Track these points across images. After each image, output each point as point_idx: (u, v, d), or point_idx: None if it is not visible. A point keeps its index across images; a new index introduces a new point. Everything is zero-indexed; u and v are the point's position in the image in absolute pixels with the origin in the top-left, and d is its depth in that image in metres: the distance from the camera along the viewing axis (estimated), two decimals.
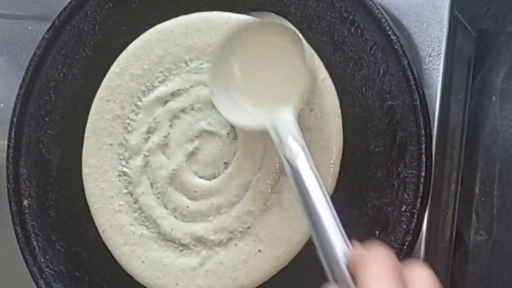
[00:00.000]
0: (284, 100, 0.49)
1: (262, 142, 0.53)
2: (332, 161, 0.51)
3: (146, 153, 0.56)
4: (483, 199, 0.63)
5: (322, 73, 0.52)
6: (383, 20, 0.51)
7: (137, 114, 0.56)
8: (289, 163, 0.46)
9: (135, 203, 0.56)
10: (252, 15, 0.54)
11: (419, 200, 0.50)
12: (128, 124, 0.56)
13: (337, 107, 0.52)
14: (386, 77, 0.51)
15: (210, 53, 0.54)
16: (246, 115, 0.51)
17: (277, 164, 0.53)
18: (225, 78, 0.51)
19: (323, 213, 0.43)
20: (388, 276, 0.38)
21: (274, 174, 0.53)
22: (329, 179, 0.51)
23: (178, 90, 0.56)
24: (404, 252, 0.50)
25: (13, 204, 0.59)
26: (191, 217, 0.54)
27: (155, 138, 0.56)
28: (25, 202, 0.59)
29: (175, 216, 0.55)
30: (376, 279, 0.38)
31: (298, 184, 0.45)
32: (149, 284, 0.55)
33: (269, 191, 0.53)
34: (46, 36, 0.60)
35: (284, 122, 0.48)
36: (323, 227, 0.42)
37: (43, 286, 0.57)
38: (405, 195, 0.50)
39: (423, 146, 0.50)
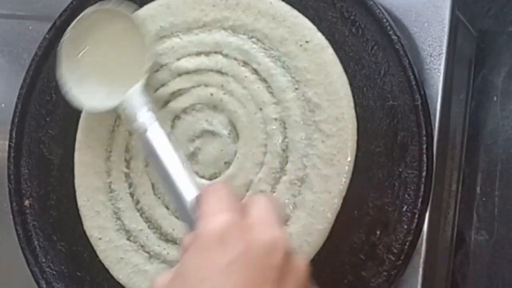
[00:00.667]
0: (131, 78, 0.52)
1: (263, 142, 0.53)
2: (348, 160, 0.51)
3: None
4: (484, 199, 0.63)
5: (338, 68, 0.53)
6: (384, 20, 0.51)
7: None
8: (138, 134, 0.49)
9: (137, 203, 0.56)
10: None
11: (420, 200, 0.49)
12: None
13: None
14: (387, 77, 0.51)
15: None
16: (99, 97, 0.54)
17: (278, 164, 0.53)
18: (75, 62, 0.54)
19: (174, 172, 0.46)
20: (226, 203, 0.41)
21: (275, 173, 0.53)
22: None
23: (179, 90, 0.56)
24: (405, 252, 0.50)
25: (14, 204, 0.59)
26: None
27: None
28: (26, 202, 0.59)
29: (176, 216, 0.55)
30: (214, 208, 0.41)
31: (149, 151, 0.48)
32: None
33: (270, 190, 0.53)
34: (47, 36, 0.60)
35: (132, 97, 0.51)
36: (173, 180, 0.46)
37: (44, 286, 0.57)
38: (406, 195, 0.50)
39: (424, 146, 0.50)
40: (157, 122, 0.49)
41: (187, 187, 0.45)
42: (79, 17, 0.54)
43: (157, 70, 0.56)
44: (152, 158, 0.48)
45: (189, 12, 0.56)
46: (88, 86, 0.54)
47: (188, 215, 0.44)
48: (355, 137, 0.51)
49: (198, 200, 0.43)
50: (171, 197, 0.46)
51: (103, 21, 0.54)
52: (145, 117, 0.50)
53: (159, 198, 0.56)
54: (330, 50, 0.53)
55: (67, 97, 0.54)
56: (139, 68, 0.53)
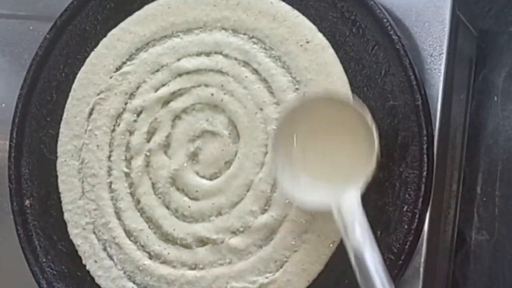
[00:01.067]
0: (349, 180, 0.48)
1: (264, 142, 0.53)
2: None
3: (148, 153, 0.56)
4: (484, 199, 0.63)
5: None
6: (385, 20, 0.51)
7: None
8: (353, 250, 0.45)
9: (137, 203, 0.56)
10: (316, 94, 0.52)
11: (420, 200, 0.49)
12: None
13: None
14: (387, 77, 0.51)
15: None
16: (309, 192, 0.49)
17: None
18: (287, 154, 0.50)
19: None
20: None
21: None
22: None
23: (179, 89, 0.56)
24: (406, 252, 0.50)
25: (14, 204, 0.59)
26: (192, 217, 0.54)
27: (157, 138, 0.56)
28: (27, 202, 0.59)
29: (176, 216, 0.55)
30: None
31: (362, 272, 0.45)
32: None
33: (270, 190, 0.53)
34: (47, 36, 0.60)
35: (350, 206, 0.46)
36: None
37: (44, 285, 0.57)
38: (407, 195, 0.50)
39: (425, 146, 0.50)
40: (374, 241, 0.46)
41: None
42: (305, 99, 0.50)
43: (157, 70, 0.56)
44: (364, 279, 0.45)
45: (190, 12, 0.56)
46: (301, 171, 0.50)
47: None
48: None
49: None
50: None
51: (325, 108, 0.49)
52: (361, 233, 0.46)
53: (159, 198, 0.56)
54: (330, 50, 0.53)
55: (278, 180, 0.50)
56: (358, 166, 0.48)
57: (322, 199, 0.48)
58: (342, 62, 0.52)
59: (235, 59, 0.54)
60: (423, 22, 0.54)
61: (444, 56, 0.53)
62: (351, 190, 0.47)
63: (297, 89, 0.53)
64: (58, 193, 0.59)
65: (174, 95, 0.56)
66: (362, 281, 0.45)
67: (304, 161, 0.50)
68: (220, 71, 0.55)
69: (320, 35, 0.53)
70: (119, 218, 0.57)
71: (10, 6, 0.68)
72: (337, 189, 0.48)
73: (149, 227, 0.56)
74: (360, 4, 0.52)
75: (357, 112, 0.48)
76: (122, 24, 0.58)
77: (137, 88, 0.57)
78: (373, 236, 0.46)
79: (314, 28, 0.53)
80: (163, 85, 0.56)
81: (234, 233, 0.53)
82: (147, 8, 0.57)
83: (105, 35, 0.59)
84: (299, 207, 0.51)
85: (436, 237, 0.55)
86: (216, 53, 0.55)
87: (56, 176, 0.59)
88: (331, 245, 0.51)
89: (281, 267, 0.52)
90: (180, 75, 0.56)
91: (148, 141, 0.56)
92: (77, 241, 0.58)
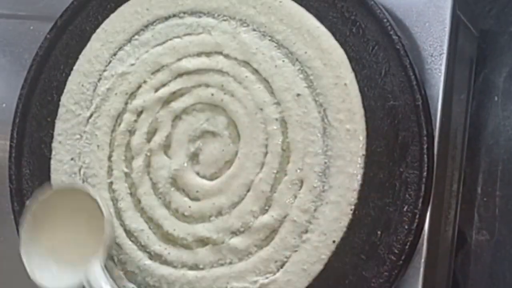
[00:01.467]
0: (89, 256, 0.53)
1: (264, 142, 0.53)
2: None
3: (148, 153, 0.56)
4: (485, 199, 0.63)
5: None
6: (385, 20, 0.51)
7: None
8: None
9: (138, 204, 0.56)
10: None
11: (421, 200, 0.49)
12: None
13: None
14: (388, 77, 0.51)
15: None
16: (62, 278, 0.54)
17: (279, 164, 0.53)
18: (38, 249, 0.54)
19: None
20: None
21: (276, 173, 0.53)
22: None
23: (180, 89, 0.56)
24: (406, 252, 0.50)
25: (15, 204, 0.59)
26: (193, 217, 0.54)
27: (157, 138, 0.56)
28: (27, 202, 0.59)
29: (176, 217, 0.55)
30: None
31: None
32: None
33: (270, 190, 0.53)
34: (48, 36, 0.60)
35: (94, 273, 0.52)
36: None
37: None
38: (407, 195, 0.50)
39: (425, 146, 0.50)
40: None
41: None
42: (40, 198, 0.54)
43: (157, 70, 0.56)
44: None
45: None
46: (48, 265, 0.55)
47: None
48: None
49: None
50: None
51: (62, 200, 0.55)
52: None
53: (159, 198, 0.56)
54: (340, 51, 0.52)
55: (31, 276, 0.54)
56: (97, 241, 0.53)
57: (74, 279, 0.53)
58: None
59: (235, 59, 0.54)
60: (424, 22, 0.54)
61: (444, 56, 0.53)
62: (94, 262, 0.52)
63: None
64: None
65: (175, 95, 0.56)
66: None
67: (53, 251, 0.55)
68: (220, 71, 0.55)
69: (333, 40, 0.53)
70: (119, 218, 0.57)
71: (11, 6, 0.69)
72: (83, 266, 0.52)
73: (150, 227, 0.56)
74: (360, 4, 0.52)
75: (90, 195, 0.53)
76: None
77: (138, 88, 0.57)
78: None
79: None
80: (164, 85, 0.56)
81: (235, 233, 0.53)
82: None
83: None
84: None
85: (436, 237, 0.55)
86: (216, 53, 0.55)
87: None
88: (331, 245, 0.51)
89: (281, 267, 0.52)
90: (180, 75, 0.56)
91: (149, 141, 0.56)
92: None
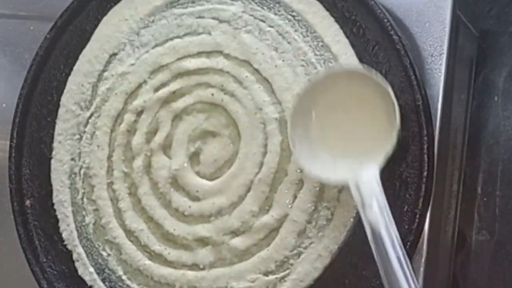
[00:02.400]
0: (368, 156, 0.48)
1: (263, 142, 0.53)
2: None
3: (148, 154, 0.56)
4: (485, 199, 0.63)
5: None
6: (385, 20, 0.51)
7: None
8: (370, 226, 0.46)
9: (138, 204, 0.56)
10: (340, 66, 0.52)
11: (421, 200, 0.49)
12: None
13: None
14: (388, 77, 0.51)
15: None
16: (327, 167, 0.49)
17: (278, 164, 0.53)
18: (305, 127, 0.50)
19: (403, 284, 0.44)
20: None
21: (276, 174, 0.53)
22: None
23: (180, 89, 0.56)
24: (406, 252, 0.49)
25: (15, 204, 0.59)
26: (192, 217, 0.54)
27: (157, 139, 0.56)
28: (27, 202, 0.59)
29: (176, 217, 0.55)
30: None
31: (379, 248, 0.45)
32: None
33: (270, 191, 0.53)
34: (48, 36, 0.60)
35: (368, 182, 0.46)
36: None
37: (45, 286, 0.57)
38: (407, 195, 0.50)
39: (425, 146, 0.50)
40: (392, 218, 0.46)
41: None
42: (328, 73, 0.50)
43: (158, 70, 0.56)
44: (381, 256, 0.45)
45: None
46: (318, 146, 0.50)
47: None
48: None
49: None
50: None
51: (347, 83, 0.49)
52: (378, 208, 0.46)
53: (159, 198, 0.56)
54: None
55: (294, 155, 0.50)
56: (377, 143, 0.48)
57: (340, 175, 0.48)
58: None
59: (236, 59, 0.54)
60: (424, 22, 0.54)
61: (444, 56, 0.53)
62: (371, 166, 0.47)
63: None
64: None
65: (175, 95, 0.56)
66: (378, 257, 0.45)
67: (322, 137, 0.50)
68: (220, 71, 0.55)
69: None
70: (119, 219, 0.57)
71: (11, 6, 0.68)
72: (355, 165, 0.48)
73: (150, 227, 0.56)
74: (361, 4, 0.52)
75: (379, 87, 0.47)
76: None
77: (138, 88, 0.57)
78: (390, 213, 0.46)
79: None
80: (164, 85, 0.56)
81: (235, 233, 0.53)
82: None
83: None
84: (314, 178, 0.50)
85: (436, 237, 0.55)
86: (216, 53, 0.55)
87: None
88: (331, 244, 0.51)
89: (281, 267, 0.52)
90: (180, 75, 0.56)
91: (149, 141, 0.56)
92: None
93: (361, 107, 0.49)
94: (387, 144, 0.47)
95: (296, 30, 0.54)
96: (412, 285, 0.44)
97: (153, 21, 0.57)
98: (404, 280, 0.44)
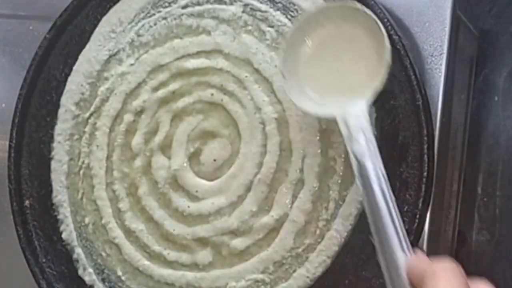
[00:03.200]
0: (356, 92, 0.47)
1: (262, 142, 0.53)
2: None
3: (148, 154, 0.56)
4: (485, 199, 0.63)
5: None
6: (385, 20, 0.51)
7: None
8: (356, 158, 0.45)
9: (137, 204, 0.56)
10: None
11: (421, 200, 0.49)
12: None
13: None
14: (388, 77, 0.51)
15: None
16: (315, 102, 0.49)
17: (278, 164, 0.53)
18: (296, 61, 0.50)
19: (385, 216, 0.43)
20: None
21: (275, 174, 0.52)
22: None
23: (179, 89, 0.56)
24: None
25: (14, 204, 0.59)
26: (192, 217, 0.54)
27: (157, 139, 0.56)
28: (27, 202, 0.59)
29: (176, 217, 0.55)
30: None
31: (364, 181, 0.44)
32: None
33: (270, 191, 0.53)
34: (47, 36, 0.60)
35: (356, 116, 0.46)
36: (385, 231, 0.42)
37: (44, 286, 0.57)
38: (407, 195, 0.50)
39: (425, 146, 0.50)
40: (378, 152, 0.45)
41: (401, 243, 0.42)
42: (321, 7, 0.50)
43: (157, 70, 0.56)
44: (365, 189, 0.44)
45: None
46: (306, 83, 0.50)
47: (399, 277, 0.41)
48: None
49: (425, 271, 0.40)
50: (377, 238, 0.43)
51: (340, 19, 0.49)
52: (365, 141, 0.45)
53: (159, 198, 0.56)
54: None
55: (284, 88, 0.50)
56: (367, 80, 0.47)
57: (328, 110, 0.48)
58: None
59: (235, 59, 0.54)
60: (424, 22, 0.54)
61: (444, 56, 0.53)
62: (359, 101, 0.46)
63: None
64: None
65: (174, 95, 0.56)
66: (363, 191, 0.44)
67: (310, 74, 0.50)
68: (220, 71, 0.55)
69: None
70: (119, 219, 0.57)
71: (10, 6, 0.68)
72: (343, 101, 0.47)
73: (149, 227, 0.56)
74: (361, 4, 0.52)
75: (371, 24, 0.47)
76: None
77: (137, 88, 0.57)
78: (377, 147, 0.45)
79: None
80: (163, 85, 0.56)
81: (234, 233, 0.53)
82: None
83: None
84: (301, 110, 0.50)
85: (436, 237, 0.55)
86: (216, 53, 0.55)
87: None
88: (331, 245, 0.51)
89: (280, 268, 0.52)
90: (180, 75, 0.56)
91: (148, 141, 0.56)
92: None
93: (352, 45, 0.49)
94: (376, 80, 0.46)
95: None
96: (395, 218, 0.43)
97: (139, 20, 0.57)
98: (386, 212, 0.43)
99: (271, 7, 0.54)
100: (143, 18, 0.57)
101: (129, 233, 0.56)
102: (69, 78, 0.59)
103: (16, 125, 0.60)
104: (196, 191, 0.55)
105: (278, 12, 0.54)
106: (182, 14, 0.56)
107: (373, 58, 0.47)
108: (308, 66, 0.50)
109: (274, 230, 0.52)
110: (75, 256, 0.57)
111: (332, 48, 0.50)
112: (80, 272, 0.57)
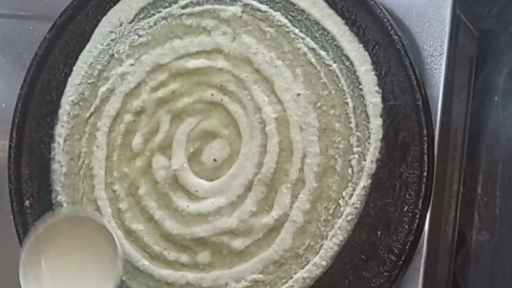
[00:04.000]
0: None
1: (262, 142, 0.53)
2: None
3: (148, 154, 0.56)
4: (485, 199, 0.63)
5: None
6: (385, 20, 0.51)
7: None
8: None
9: (137, 204, 0.56)
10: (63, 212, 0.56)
11: (421, 200, 0.49)
12: None
13: None
14: (388, 77, 0.51)
15: None
16: None
17: (278, 164, 0.53)
18: (37, 278, 0.53)
19: None
20: None
21: (275, 174, 0.52)
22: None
23: (179, 89, 0.56)
24: (406, 253, 0.49)
25: (14, 204, 0.59)
26: (192, 217, 0.54)
27: (157, 139, 0.56)
28: (27, 202, 0.59)
29: (176, 217, 0.55)
30: None
31: None
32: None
33: (270, 191, 0.53)
34: (47, 36, 0.60)
35: None
36: None
37: None
38: (407, 195, 0.50)
39: (425, 146, 0.50)
40: None
41: None
42: (47, 223, 0.53)
43: (157, 70, 0.56)
44: None
45: None
46: None
47: None
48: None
49: None
50: None
51: (70, 228, 0.53)
52: None
53: (159, 198, 0.56)
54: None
55: None
56: (105, 275, 0.52)
57: None
58: None
59: (235, 59, 0.54)
60: (424, 22, 0.54)
61: (444, 56, 0.53)
62: None
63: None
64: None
65: (174, 95, 0.56)
66: None
67: (53, 279, 0.53)
68: (220, 71, 0.55)
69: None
70: (118, 219, 0.57)
71: (10, 6, 0.68)
72: None
73: (149, 227, 0.56)
74: (360, 4, 0.52)
75: (100, 226, 0.52)
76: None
77: (137, 88, 0.57)
78: None
79: None
80: (163, 85, 0.56)
81: (234, 233, 0.53)
82: None
83: None
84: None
85: (436, 237, 0.55)
86: (216, 53, 0.55)
87: None
88: (331, 245, 0.51)
89: (280, 268, 0.52)
90: (180, 75, 0.56)
91: (148, 141, 0.56)
92: None
93: (86, 248, 0.53)
94: (113, 274, 0.51)
95: (296, 30, 0.53)
96: None
97: (139, 20, 0.57)
98: None
99: (271, 7, 0.54)
100: (143, 18, 0.57)
101: (129, 233, 0.56)
102: (69, 78, 0.59)
103: (16, 125, 0.60)
104: (196, 191, 0.55)
105: (278, 12, 0.54)
106: (182, 14, 0.56)
107: (108, 254, 0.51)
108: (51, 279, 0.53)
109: (274, 230, 0.52)
110: None
111: (70, 257, 0.53)
112: None
